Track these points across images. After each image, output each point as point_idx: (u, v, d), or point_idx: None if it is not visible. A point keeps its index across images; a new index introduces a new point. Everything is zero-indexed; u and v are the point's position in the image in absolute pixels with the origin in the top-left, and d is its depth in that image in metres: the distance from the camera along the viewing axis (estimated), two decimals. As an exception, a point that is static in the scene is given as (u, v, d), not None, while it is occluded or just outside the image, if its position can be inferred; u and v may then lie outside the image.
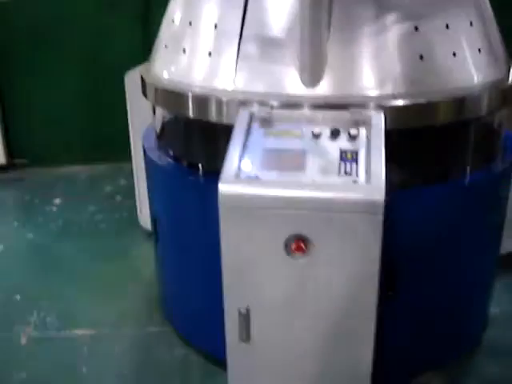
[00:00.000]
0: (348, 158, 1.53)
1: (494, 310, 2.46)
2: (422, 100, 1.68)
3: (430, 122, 1.73)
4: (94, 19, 3.73)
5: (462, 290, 2.04)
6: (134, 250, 2.92)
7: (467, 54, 1.79)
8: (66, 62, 3.82)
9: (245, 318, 1.58)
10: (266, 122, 1.65)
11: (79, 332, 2.33)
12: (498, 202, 2.09)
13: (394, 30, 1.69)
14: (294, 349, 1.61)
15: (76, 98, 3.90)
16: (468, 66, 1.79)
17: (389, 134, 1.58)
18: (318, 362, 1.62)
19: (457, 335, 2.12)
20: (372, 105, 1.63)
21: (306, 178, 1.48)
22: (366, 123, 1.59)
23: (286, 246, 1.49)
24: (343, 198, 1.43)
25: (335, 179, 1.47)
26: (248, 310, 1.58)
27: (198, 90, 1.80)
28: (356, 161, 1.52)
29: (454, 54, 1.76)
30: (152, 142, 2.19)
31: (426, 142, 1.91)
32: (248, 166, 1.54)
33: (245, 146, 1.58)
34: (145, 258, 2.73)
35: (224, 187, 1.48)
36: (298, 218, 1.46)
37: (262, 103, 1.68)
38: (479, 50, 1.82)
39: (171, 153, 2.06)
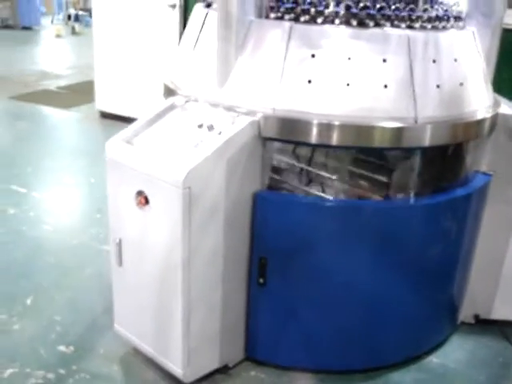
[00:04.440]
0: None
1: (437, 360, 2.43)
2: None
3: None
4: None
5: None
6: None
7: (366, 87, 1.95)
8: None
9: (118, 247, 2.13)
10: (183, 109, 2.13)
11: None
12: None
13: (292, 56, 1.97)
14: (145, 276, 2.08)
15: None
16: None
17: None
18: (155, 292, 2.07)
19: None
20: (245, 112, 1.97)
21: (162, 153, 1.94)
22: (235, 125, 1.95)
23: (136, 198, 1.98)
24: (162, 171, 1.87)
25: (175, 158, 1.89)
26: (120, 241, 2.12)
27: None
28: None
29: (348, 84, 1.94)
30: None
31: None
32: (142, 134, 2.05)
33: (151, 122, 2.09)
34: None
35: (110, 142, 2.04)
36: (141, 179, 1.94)
37: (187, 96, 2.16)
38: (385, 86, 1.95)
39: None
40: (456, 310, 2.54)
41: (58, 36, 10.88)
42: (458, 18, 2.22)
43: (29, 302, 2.64)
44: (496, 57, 2.36)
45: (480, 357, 2.47)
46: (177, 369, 2.09)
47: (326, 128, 1.93)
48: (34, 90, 6.77)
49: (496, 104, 2.30)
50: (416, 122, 1.97)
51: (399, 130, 1.96)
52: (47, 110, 6.06)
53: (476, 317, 2.63)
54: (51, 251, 3.12)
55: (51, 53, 9.66)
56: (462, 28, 2.24)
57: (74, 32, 11.38)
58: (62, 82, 7.27)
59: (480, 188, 2.28)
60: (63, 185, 4.12)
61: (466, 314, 2.61)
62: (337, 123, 1.92)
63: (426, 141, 2.01)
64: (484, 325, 2.62)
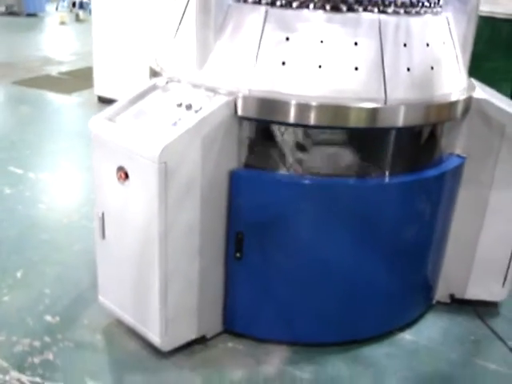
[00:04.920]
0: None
1: (410, 337, 2.51)
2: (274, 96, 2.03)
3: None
4: None
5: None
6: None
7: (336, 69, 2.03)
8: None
9: (101, 221, 2.22)
10: (164, 90, 2.21)
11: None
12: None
13: (268, 39, 2.05)
14: (125, 249, 2.17)
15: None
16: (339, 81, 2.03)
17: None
18: (135, 264, 2.16)
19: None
20: (222, 92, 2.05)
21: (142, 130, 2.02)
22: (210, 104, 2.03)
23: (117, 173, 2.07)
24: (140, 147, 1.95)
25: (153, 134, 1.98)
26: (103, 215, 2.21)
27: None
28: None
29: (320, 66, 2.02)
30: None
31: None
32: (124, 112, 2.13)
33: (134, 101, 2.18)
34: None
35: (93, 119, 2.12)
36: (121, 155, 2.03)
37: (170, 78, 2.24)
38: (356, 68, 2.03)
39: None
40: (430, 288, 2.63)
41: (63, 23, 10.96)
42: (434, 4, 2.29)
43: (19, 275, 2.74)
44: (472, 43, 2.42)
45: (452, 335, 2.55)
46: (155, 338, 2.19)
47: (299, 108, 2.00)
48: (36, 76, 6.86)
49: (470, 88, 2.37)
50: (385, 103, 2.05)
51: (372, 111, 2.04)
52: (49, 95, 6.16)
53: (451, 296, 2.71)
54: (44, 229, 3.22)
55: (55, 39, 9.75)
56: (438, 13, 2.30)
57: (78, 19, 11.47)
58: (64, 68, 7.37)
59: (453, 169, 2.35)
60: (60, 166, 4.22)
61: (441, 293, 2.70)
62: (312, 104, 1.99)
63: (399, 121, 2.08)
64: (459, 304, 2.70)
